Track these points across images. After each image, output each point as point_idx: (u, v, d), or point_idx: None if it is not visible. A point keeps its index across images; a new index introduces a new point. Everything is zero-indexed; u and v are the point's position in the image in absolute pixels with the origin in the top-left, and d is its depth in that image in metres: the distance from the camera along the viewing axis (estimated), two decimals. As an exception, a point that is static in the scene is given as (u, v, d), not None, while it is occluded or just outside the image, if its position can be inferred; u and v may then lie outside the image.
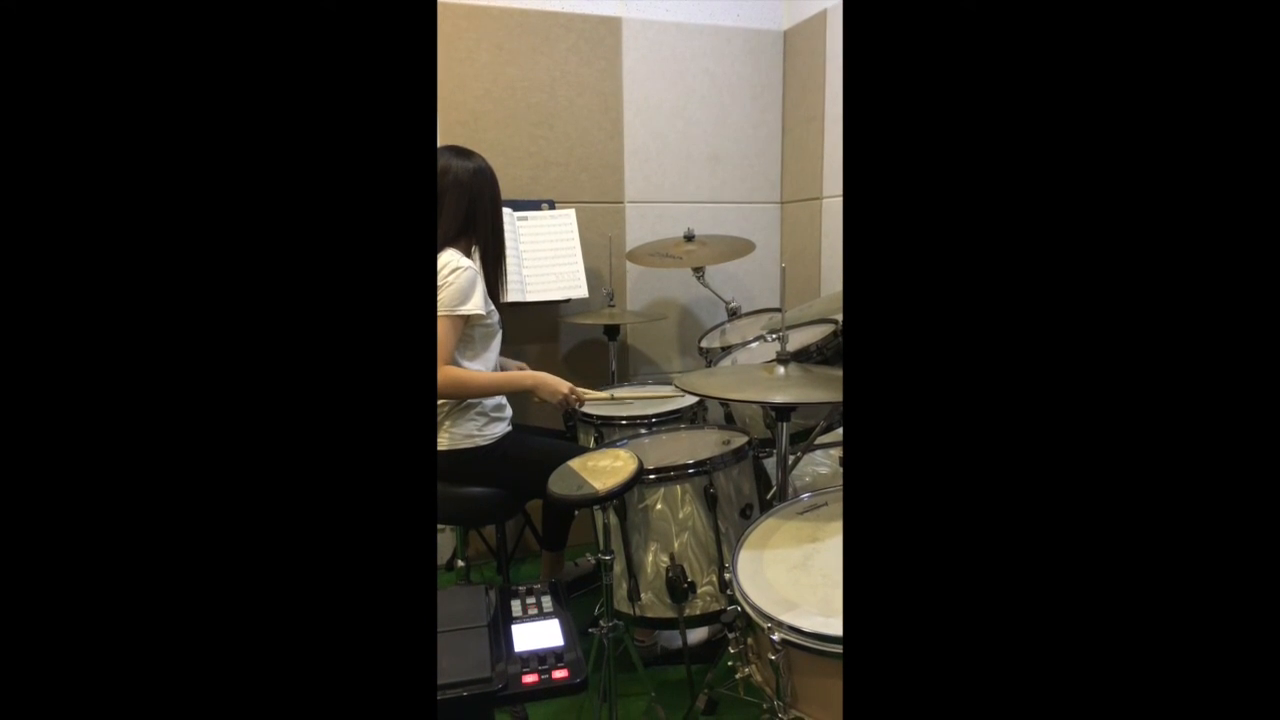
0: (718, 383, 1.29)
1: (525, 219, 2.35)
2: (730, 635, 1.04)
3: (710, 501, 1.47)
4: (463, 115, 2.31)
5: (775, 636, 0.92)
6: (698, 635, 1.85)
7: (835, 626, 0.91)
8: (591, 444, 1.94)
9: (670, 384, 2.30)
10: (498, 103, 2.35)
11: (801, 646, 0.91)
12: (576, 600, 2.08)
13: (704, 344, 2.21)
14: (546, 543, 2.14)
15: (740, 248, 2.32)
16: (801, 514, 1.23)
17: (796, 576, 1.04)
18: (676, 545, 1.48)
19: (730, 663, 1.06)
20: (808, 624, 0.92)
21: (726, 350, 2.07)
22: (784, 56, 2.63)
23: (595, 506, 1.32)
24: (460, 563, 1.95)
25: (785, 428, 1.34)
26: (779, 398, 1.19)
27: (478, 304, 1.66)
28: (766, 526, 1.20)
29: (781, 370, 1.32)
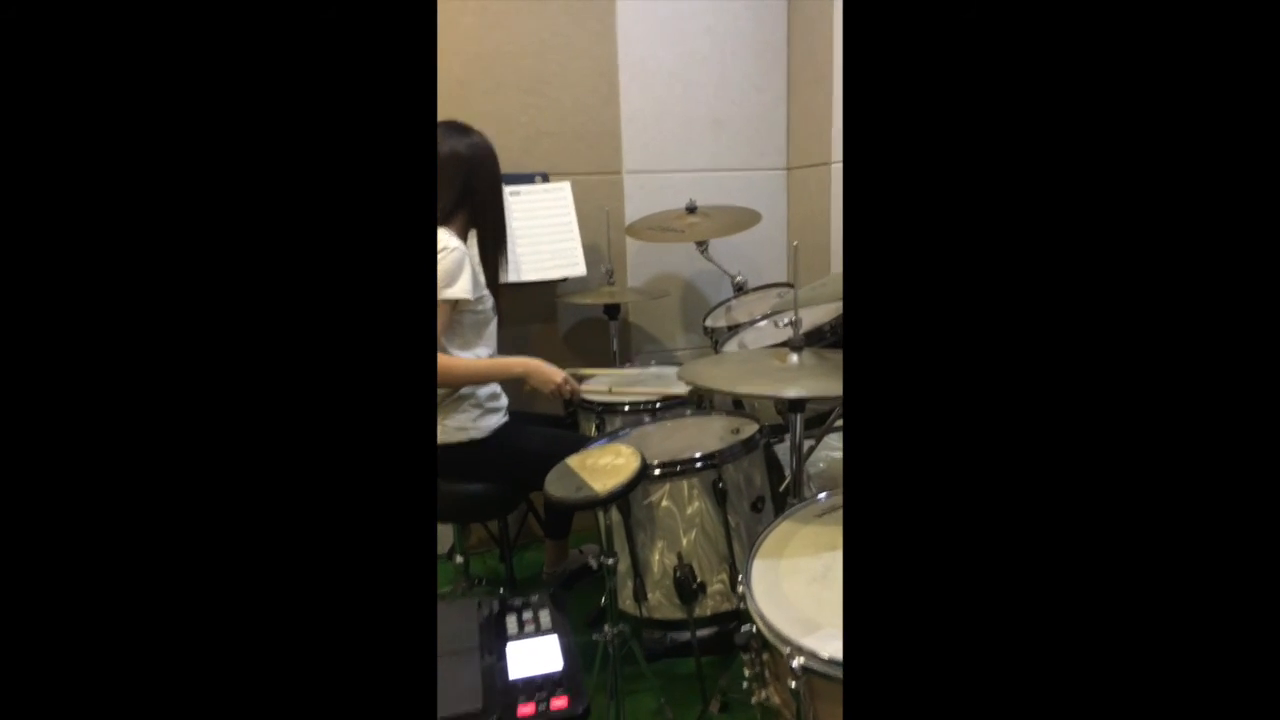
0: (724, 373, 1.19)
1: (517, 194, 2.22)
2: (745, 656, 0.95)
3: (719, 497, 1.38)
4: (448, 84, 2.18)
5: (795, 662, 0.83)
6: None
7: (862, 652, 0.81)
8: (593, 431, 1.85)
9: (674, 364, 2.21)
10: (485, 70, 2.21)
11: (826, 675, 0.82)
12: (580, 590, 2.00)
13: (709, 323, 2.10)
14: (549, 531, 2.06)
15: (745, 219, 2.20)
16: (820, 516, 1.13)
17: (817, 591, 0.94)
18: (684, 543, 1.39)
19: (745, 684, 0.98)
20: (831, 649, 0.82)
21: (733, 329, 1.97)
22: (789, 13, 2.47)
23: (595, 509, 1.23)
24: (459, 558, 1.87)
25: (799, 419, 1.24)
26: (791, 390, 1.09)
27: (465, 287, 1.55)
28: (782, 531, 1.10)
29: (794, 358, 1.21)
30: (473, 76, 2.20)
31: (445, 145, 1.60)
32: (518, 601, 1.12)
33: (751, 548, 1.05)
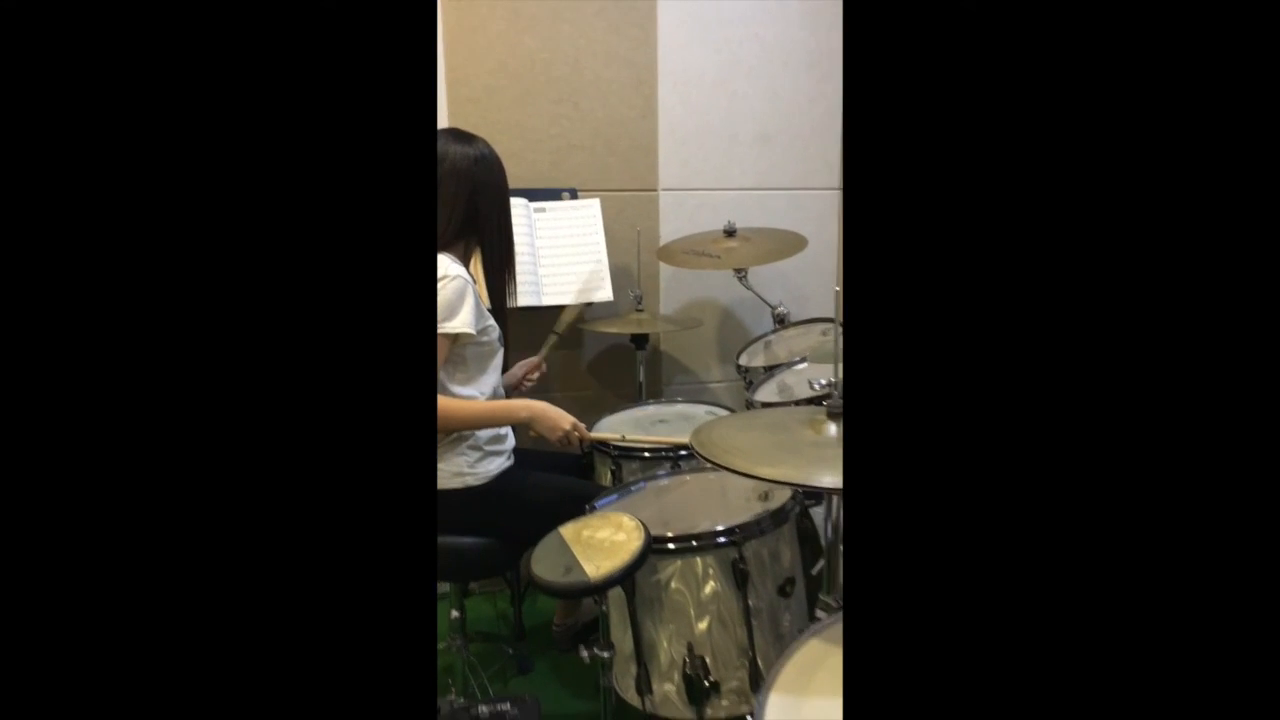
0: (745, 443, 0.98)
1: (543, 210, 2.06)
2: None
3: (739, 579, 1.17)
4: (474, 92, 2.03)
5: None
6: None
7: None
8: (608, 478, 1.67)
9: (705, 401, 2.02)
10: (514, 78, 2.06)
11: None
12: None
13: (743, 361, 1.90)
14: (561, 580, 1.89)
15: (790, 244, 2.00)
16: (855, 635, 0.92)
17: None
18: (697, 632, 1.19)
19: None
20: None
21: (770, 370, 1.76)
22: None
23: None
24: (455, 612, 1.69)
25: (838, 501, 1.02)
26: (824, 476, 0.87)
27: (466, 320, 1.39)
28: (809, 654, 0.89)
29: (832, 429, 1.00)
30: (501, 84, 2.05)
31: (446, 159, 1.44)
32: (484, 710, 0.94)
33: (768, 673, 0.85)
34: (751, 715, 0.82)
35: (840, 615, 0.96)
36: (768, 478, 0.89)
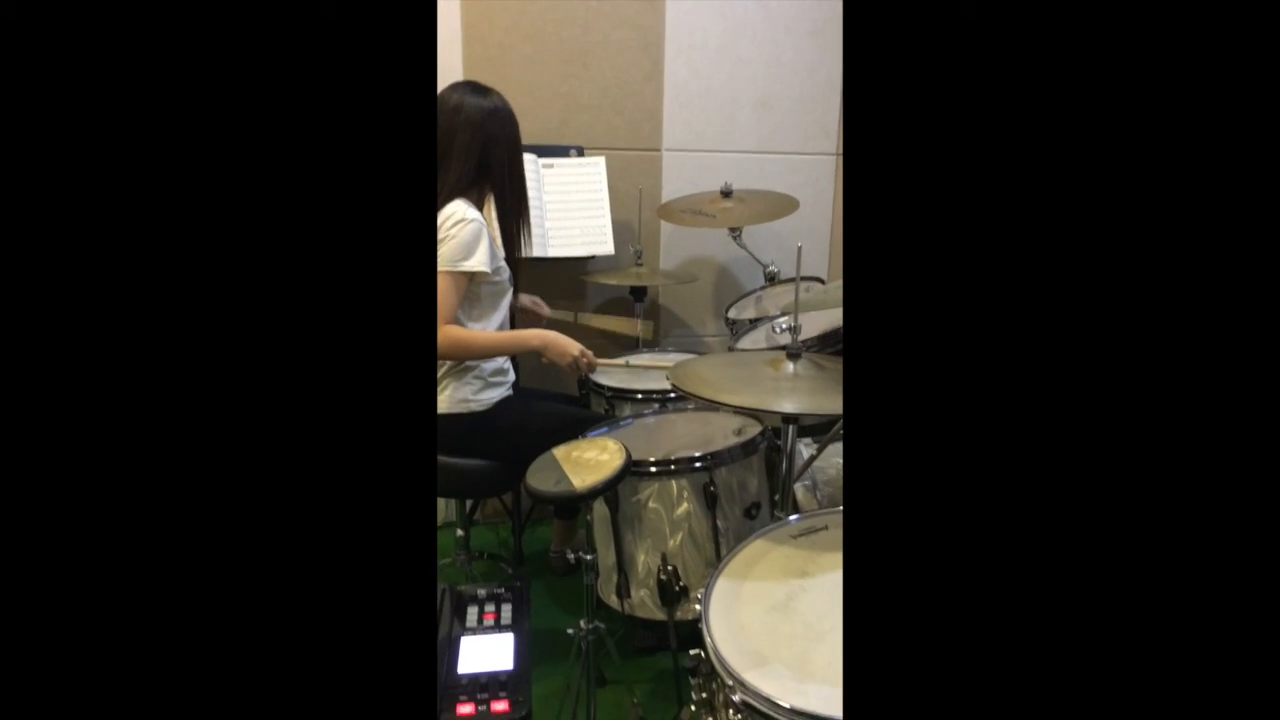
0: (713, 377, 1.13)
1: (550, 166, 2.18)
2: (693, 681, 0.92)
3: (709, 500, 1.33)
4: (488, 50, 2.14)
5: (736, 697, 0.79)
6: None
7: (805, 695, 0.76)
8: (603, 413, 1.82)
9: (698, 351, 2.16)
10: (527, 37, 2.16)
11: (763, 714, 0.77)
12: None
13: (732, 314, 2.03)
14: (559, 510, 2.06)
15: (782, 205, 2.11)
16: (796, 538, 1.07)
17: (774, 622, 0.89)
18: (670, 545, 1.35)
19: (692, 707, 0.94)
20: (772, 688, 0.78)
21: (755, 323, 1.90)
22: (850, -12, 2.34)
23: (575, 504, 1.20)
24: (460, 531, 1.87)
25: (793, 430, 1.17)
26: (779, 404, 1.02)
27: (482, 260, 1.52)
28: (754, 549, 1.05)
29: (790, 367, 1.14)
30: (514, 43, 2.15)
31: (462, 110, 1.55)
32: (482, 593, 1.11)
33: (719, 562, 1.01)
34: (699, 609, 0.98)
35: (784, 520, 1.12)
36: (728, 402, 1.04)
